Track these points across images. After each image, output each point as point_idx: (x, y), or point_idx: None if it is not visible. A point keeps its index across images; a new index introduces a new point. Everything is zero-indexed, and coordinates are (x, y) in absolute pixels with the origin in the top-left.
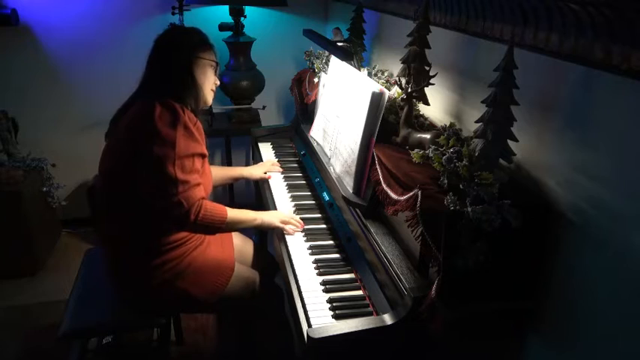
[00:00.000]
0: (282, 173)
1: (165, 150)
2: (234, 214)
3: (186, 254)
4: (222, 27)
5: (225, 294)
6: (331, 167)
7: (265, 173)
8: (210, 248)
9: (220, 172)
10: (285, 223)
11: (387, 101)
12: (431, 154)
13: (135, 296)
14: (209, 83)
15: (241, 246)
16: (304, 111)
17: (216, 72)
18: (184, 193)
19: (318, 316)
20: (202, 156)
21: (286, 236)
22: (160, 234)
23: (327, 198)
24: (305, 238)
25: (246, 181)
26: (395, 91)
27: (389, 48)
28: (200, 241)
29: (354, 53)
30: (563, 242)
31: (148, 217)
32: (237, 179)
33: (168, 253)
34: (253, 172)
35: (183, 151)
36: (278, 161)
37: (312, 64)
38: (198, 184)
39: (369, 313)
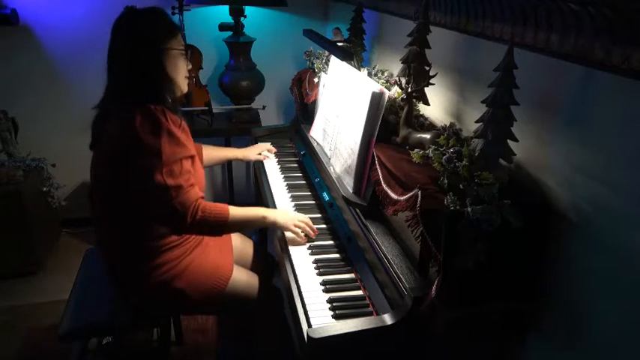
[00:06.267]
0: (282, 173)
1: (151, 160)
2: (237, 212)
3: (183, 256)
4: (222, 27)
5: (224, 297)
6: (331, 167)
7: (260, 154)
8: (209, 251)
9: (215, 152)
10: (299, 227)
11: (387, 101)
12: (431, 154)
13: (132, 297)
14: (183, 72)
15: (241, 247)
16: (304, 111)
17: (187, 57)
18: (178, 198)
19: (318, 316)
20: (191, 157)
21: (286, 235)
22: (157, 236)
23: (327, 198)
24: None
25: (247, 181)
26: (395, 91)
27: (389, 48)
28: (198, 242)
29: (354, 53)
30: (563, 242)
31: (144, 221)
32: (231, 160)
33: (165, 254)
34: (248, 153)
35: (169, 158)
36: (278, 162)
37: (312, 64)
38: (192, 185)
39: (369, 313)
